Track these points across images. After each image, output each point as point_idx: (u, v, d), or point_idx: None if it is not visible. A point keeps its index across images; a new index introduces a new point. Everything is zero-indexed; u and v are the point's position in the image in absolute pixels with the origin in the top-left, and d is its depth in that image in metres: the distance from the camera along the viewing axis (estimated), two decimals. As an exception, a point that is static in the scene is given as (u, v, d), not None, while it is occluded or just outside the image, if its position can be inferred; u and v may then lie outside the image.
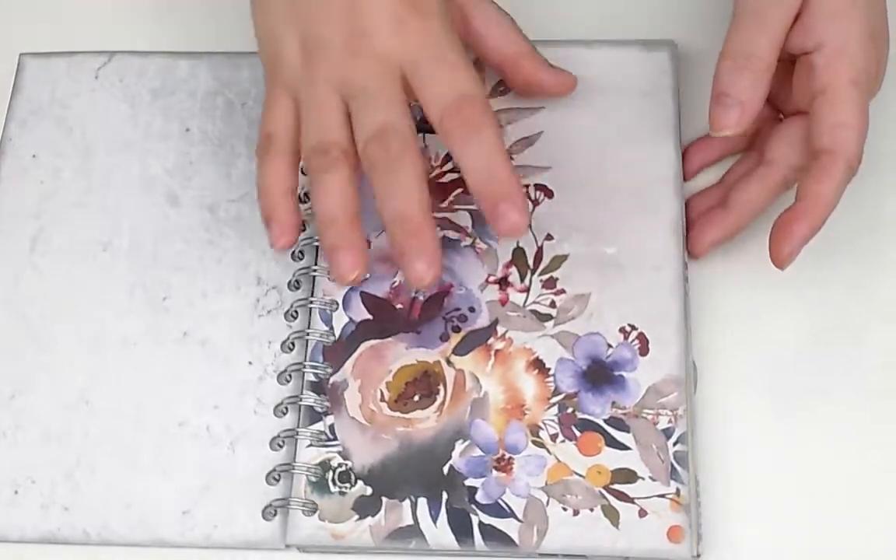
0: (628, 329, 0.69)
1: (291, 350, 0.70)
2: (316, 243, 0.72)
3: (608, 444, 0.66)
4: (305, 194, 0.74)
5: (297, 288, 0.72)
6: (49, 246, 0.74)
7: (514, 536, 0.65)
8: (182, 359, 0.71)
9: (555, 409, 0.67)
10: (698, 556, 0.64)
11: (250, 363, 0.70)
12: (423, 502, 0.66)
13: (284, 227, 0.68)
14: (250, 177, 0.75)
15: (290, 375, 0.70)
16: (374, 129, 0.63)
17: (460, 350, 0.69)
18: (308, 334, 0.70)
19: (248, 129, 0.77)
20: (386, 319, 0.70)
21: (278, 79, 0.67)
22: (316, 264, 0.72)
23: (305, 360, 0.70)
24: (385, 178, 0.63)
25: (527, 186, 0.72)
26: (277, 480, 0.67)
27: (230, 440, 0.69)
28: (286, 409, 0.69)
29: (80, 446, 0.69)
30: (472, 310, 0.70)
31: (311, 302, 0.71)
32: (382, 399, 0.68)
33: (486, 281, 0.71)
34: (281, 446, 0.68)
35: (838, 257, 0.71)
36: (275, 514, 0.67)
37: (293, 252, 0.73)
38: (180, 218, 0.75)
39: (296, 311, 0.71)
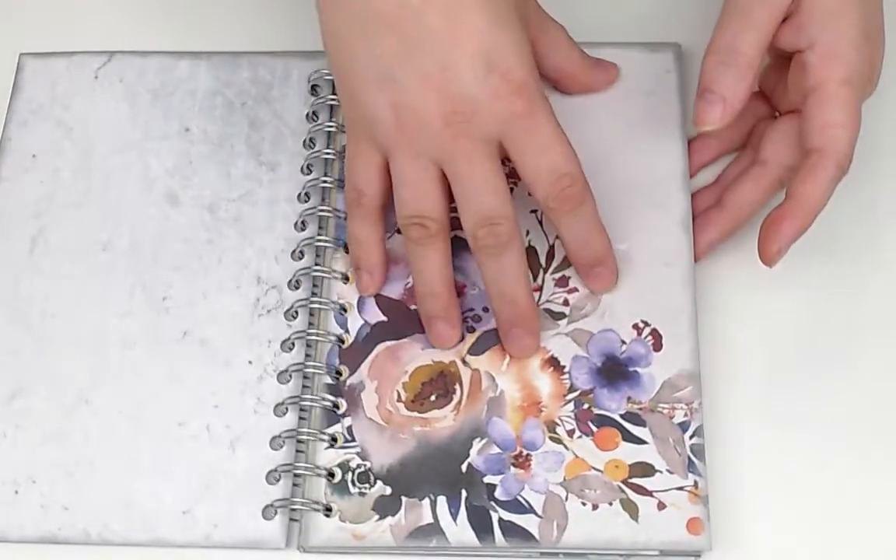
0: (641, 325, 0.69)
1: (291, 350, 0.69)
2: (317, 243, 0.72)
3: (625, 439, 0.66)
4: (306, 194, 0.73)
5: (298, 288, 0.71)
6: (49, 246, 0.73)
7: (535, 532, 0.64)
8: (182, 358, 0.70)
9: (571, 406, 0.67)
10: (709, 549, 0.64)
11: (250, 363, 0.69)
12: (442, 501, 0.65)
13: (374, 276, 0.70)
14: (250, 177, 0.74)
15: (290, 375, 0.69)
16: (481, 216, 0.65)
17: (475, 350, 0.69)
18: (313, 335, 0.69)
19: (247, 129, 0.76)
20: (400, 321, 0.70)
21: (367, 135, 0.66)
22: (317, 265, 0.71)
23: (313, 361, 0.69)
24: (494, 263, 0.66)
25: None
26: (278, 480, 0.67)
27: (230, 440, 0.68)
28: (287, 408, 0.68)
29: (80, 446, 0.68)
30: (486, 310, 0.69)
31: (316, 303, 0.70)
32: (399, 399, 0.68)
33: (499, 281, 0.70)
34: (281, 446, 0.67)
35: (839, 255, 0.71)
36: (274, 515, 0.66)
37: (293, 251, 0.72)
38: (180, 218, 0.73)
39: (296, 311, 0.70)
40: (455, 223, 0.67)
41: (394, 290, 0.70)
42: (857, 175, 0.67)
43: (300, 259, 0.72)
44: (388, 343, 0.69)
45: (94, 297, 0.72)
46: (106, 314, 0.71)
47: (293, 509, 0.66)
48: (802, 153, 0.66)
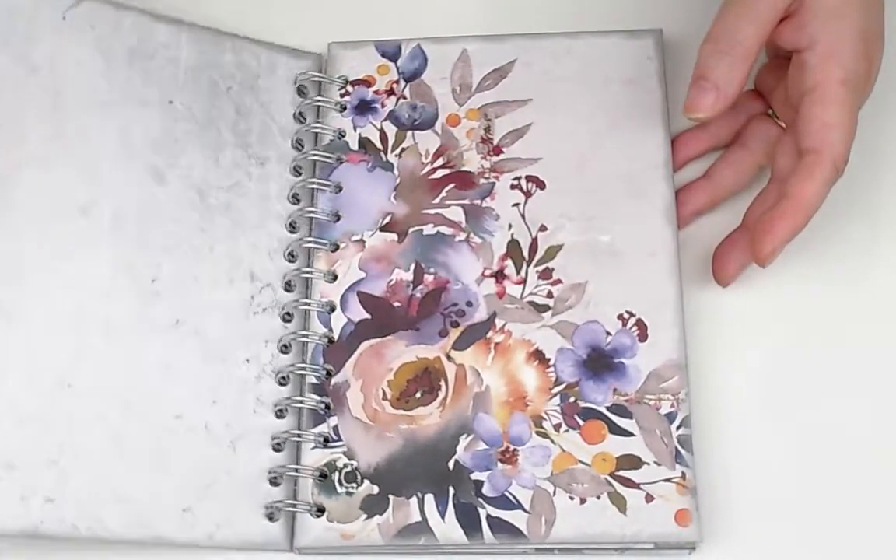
0: (626, 315, 0.65)
1: (288, 351, 0.66)
2: (306, 245, 0.68)
3: (611, 432, 0.63)
4: (294, 196, 0.70)
5: (291, 290, 0.68)
6: (14, 202, 0.63)
7: (523, 528, 0.62)
8: (175, 347, 0.64)
9: (557, 399, 0.64)
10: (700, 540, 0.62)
11: (247, 361, 0.66)
12: (430, 498, 0.63)
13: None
14: (238, 166, 0.70)
15: (288, 377, 0.66)
16: None
17: (460, 345, 0.66)
18: (305, 337, 0.66)
19: (234, 116, 0.70)
20: (384, 318, 0.67)
21: None
22: (309, 266, 0.68)
23: (306, 362, 0.66)
24: None
25: (518, 178, 0.69)
26: (278, 482, 0.64)
27: (230, 439, 0.64)
28: (286, 410, 0.65)
29: (64, 432, 0.60)
30: (469, 304, 0.67)
31: (308, 304, 0.67)
32: (385, 397, 0.65)
33: (483, 275, 0.67)
34: (281, 448, 0.64)
35: (831, 247, 0.68)
36: (277, 517, 0.63)
37: (285, 252, 0.68)
38: (167, 197, 0.67)
39: (290, 313, 0.67)
40: (435, 218, 0.65)
41: (376, 288, 0.67)
42: (859, 175, 0.65)
43: (291, 260, 0.68)
44: (372, 341, 0.66)
45: (71, 270, 0.63)
46: (86, 292, 0.63)
47: (287, 511, 0.63)
48: (798, 153, 0.64)
